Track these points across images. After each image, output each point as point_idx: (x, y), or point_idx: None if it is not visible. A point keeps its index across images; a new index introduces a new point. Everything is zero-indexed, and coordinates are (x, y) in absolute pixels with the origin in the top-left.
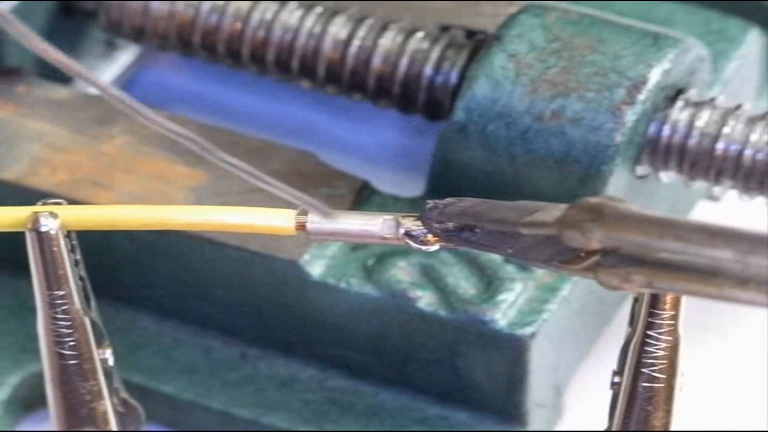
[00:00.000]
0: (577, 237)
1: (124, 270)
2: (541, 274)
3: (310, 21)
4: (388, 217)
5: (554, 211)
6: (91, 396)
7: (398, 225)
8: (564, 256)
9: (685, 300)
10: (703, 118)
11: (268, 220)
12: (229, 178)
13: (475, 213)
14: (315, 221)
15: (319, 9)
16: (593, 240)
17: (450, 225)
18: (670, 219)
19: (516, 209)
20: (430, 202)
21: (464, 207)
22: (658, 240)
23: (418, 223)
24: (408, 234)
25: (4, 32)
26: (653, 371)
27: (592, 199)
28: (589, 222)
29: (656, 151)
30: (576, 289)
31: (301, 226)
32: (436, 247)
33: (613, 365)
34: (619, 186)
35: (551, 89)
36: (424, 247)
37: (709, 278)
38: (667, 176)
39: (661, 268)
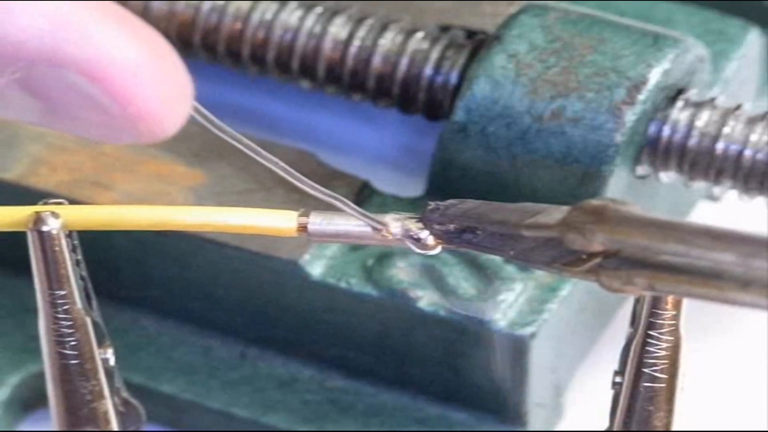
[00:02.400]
0: (578, 239)
1: (124, 270)
2: (541, 274)
3: (310, 21)
4: (389, 218)
5: (556, 213)
6: (92, 396)
7: (399, 226)
8: (566, 259)
9: (686, 300)
10: (703, 118)
11: (269, 221)
12: (228, 178)
13: (476, 215)
14: (316, 222)
15: (319, 9)
16: (595, 242)
17: (451, 227)
18: (672, 222)
19: (518, 211)
20: (432, 204)
21: (466, 209)
22: (660, 243)
23: (420, 224)
24: (409, 236)
25: None
26: (655, 371)
27: (594, 202)
28: (591, 224)
29: (656, 151)
30: (576, 289)
31: (302, 228)
32: (437, 250)
33: (614, 365)
34: (619, 186)
35: (551, 89)
36: (424, 251)
37: (711, 281)
38: (667, 176)
39: (663, 271)
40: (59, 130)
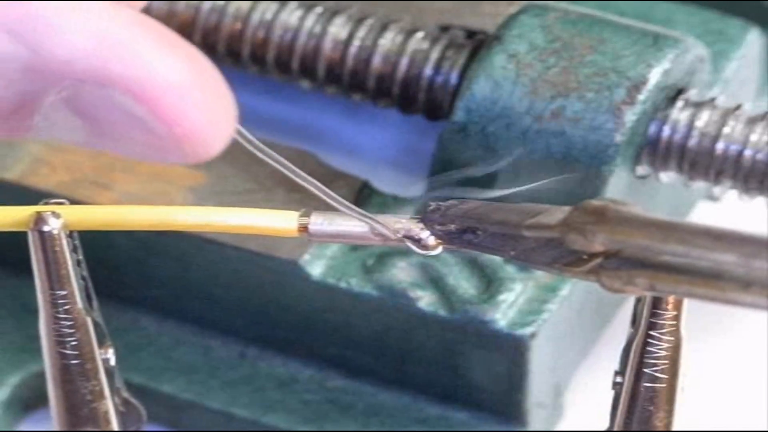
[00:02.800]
0: (579, 240)
1: (124, 270)
2: (541, 274)
3: (310, 21)
4: (390, 218)
5: (557, 213)
6: (92, 396)
7: (400, 227)
8: (567, 259)
9: (686, 301)
10: (703, 118)
11: (270, 221)
12: (229, 179)
13: (477, 215)
14: (317, 223)
15: (319, 9)
16: (596, 243)
17: (452, 227)
18: (673, 222)
19: (519, 211)
20: (432, 204)
21: (466, 209)
22: (661, 243)
23: (420, 224)
24: (410, 236)
25: None
26: (655, 371)
27: (595, 202)
28: (592, 225)
29: (656, 151)
30: (576, 289)
31: (303, 228)
32: (438, 250)
33: (614, 365)
34: (619, 186)
35: (551, 89)
36: (424, 251)
37: (711, 281)
38: (667, 176)
39: (663, 271)
40: (104, 150)
